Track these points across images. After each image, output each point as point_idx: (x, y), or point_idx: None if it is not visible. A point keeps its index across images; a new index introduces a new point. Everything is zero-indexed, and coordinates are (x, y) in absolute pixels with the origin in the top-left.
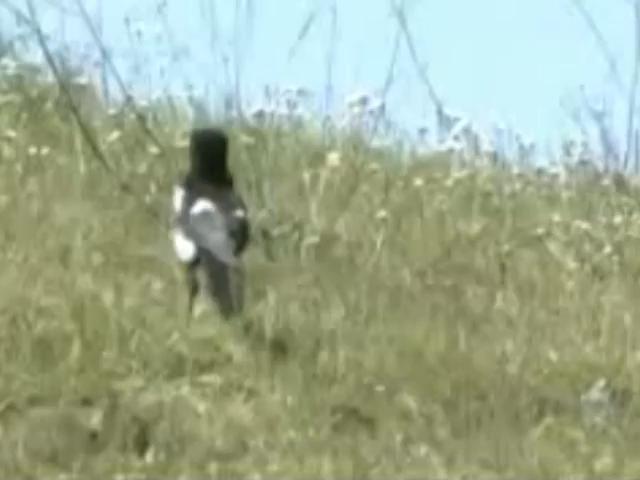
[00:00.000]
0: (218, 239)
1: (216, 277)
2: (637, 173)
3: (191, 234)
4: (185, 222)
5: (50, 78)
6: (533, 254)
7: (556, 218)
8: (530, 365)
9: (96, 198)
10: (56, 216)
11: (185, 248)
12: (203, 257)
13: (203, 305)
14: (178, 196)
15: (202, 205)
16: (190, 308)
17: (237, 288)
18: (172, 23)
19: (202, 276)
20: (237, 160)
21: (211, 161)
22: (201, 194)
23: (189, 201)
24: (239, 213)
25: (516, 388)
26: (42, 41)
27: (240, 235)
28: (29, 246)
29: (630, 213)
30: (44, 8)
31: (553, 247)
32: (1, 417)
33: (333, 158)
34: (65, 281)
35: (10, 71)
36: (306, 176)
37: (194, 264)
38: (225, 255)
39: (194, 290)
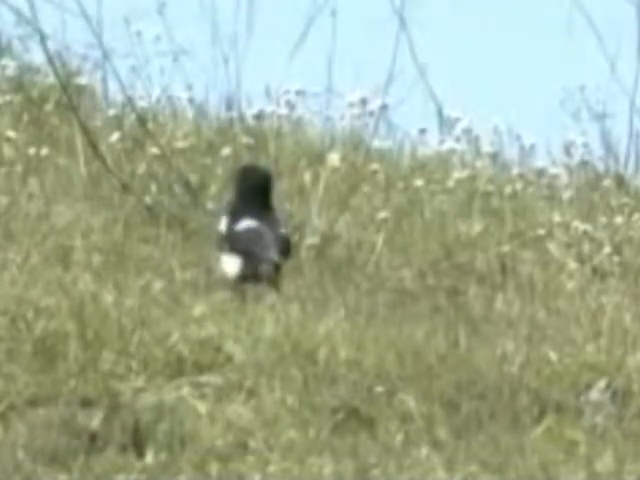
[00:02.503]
0: (265, 244)
1: (251, 269)
2: (637, 174)
3: (237, 247)
4: (230, 238)
5: (50, 78)
6: (533, 254)
7: (556, 219)
8: (530, 365)
9: (96, 198)
10: (56, 216)
11: (232, 263)
12: (248, 260)
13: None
14: (223, 221)
15: (246, 222)
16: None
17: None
18: (172, 24)
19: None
20: (237, 161)
21: (255, 196)
22: (244, 214)
23: (233, 221)
24: (282, 230)
25: (516, 388)
26: (42, 41)
27: (284, 247)
28: (29, 246)
29: (630, 214)
30: (44, 8)
31: (553, 247)
32: (1, 417)
33: (333, 158)
34: (65, 281)
35: (10, 71)
36: (306, 176)
37: (242, 279)
38: (269, 252)
39: (244, 301)
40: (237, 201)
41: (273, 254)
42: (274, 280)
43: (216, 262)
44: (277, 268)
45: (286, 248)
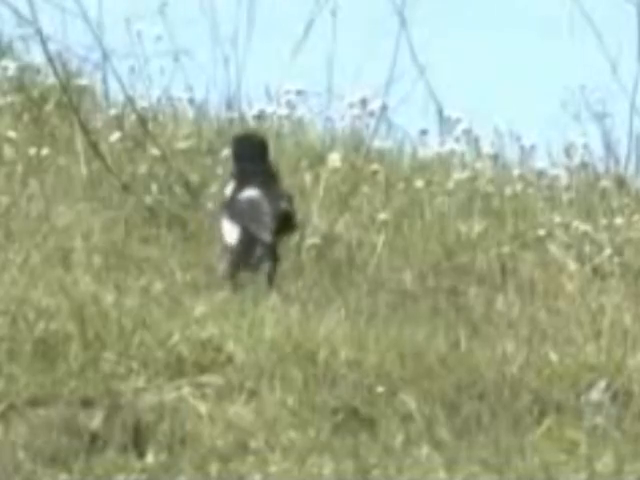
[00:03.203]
0: (261, 221)
1: (245, 249)
2: (638, 174)
3: (236, 217)
4: (232, 206)
5: (51, 79)
6: (534, 255)
7: (557, 219)
8: (531, 366)
9: (97, 199)
10: (57, 217)
11: (231, 231)
12: (244, 236)
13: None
14: (229, 187)
15: (249, 192)
16: (234, 289)
17: (269, 267)
18: (173, 24)
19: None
20: None
21: (255, 162)
22: (250, 183)
23: (238, 189)
24: (284, 204)
25: (517, 389)
26: (43, 42)
27: (282, 222)
28: (30, 247)
29: (631, 214)
30: (45, 9)
31: (554, 248)
32: (1, 418)
33: (334, 159)
34: (66, 282)
35: (11, 72)
36: (307, 177)
37: (238, 252)
38: (263, 233)
39: (235, 273)
40: (241, 168)
41: (267, 235)
42: (268, 266)
43: (218, 225)
44: (272, 248)
45: (287, 223)
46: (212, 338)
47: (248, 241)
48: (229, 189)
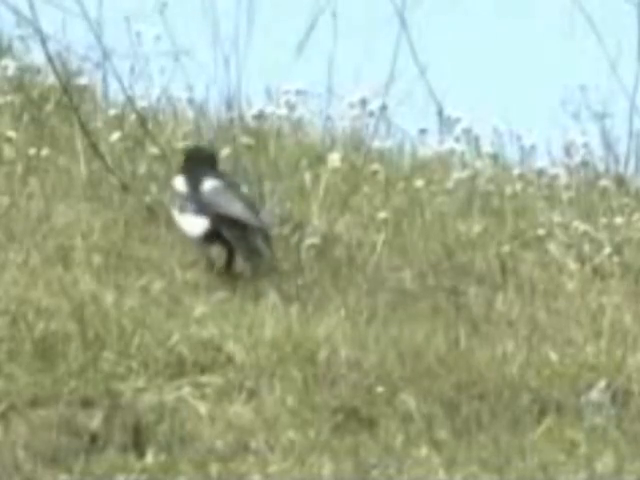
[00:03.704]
0: (238, 206)
1: (243, 236)
2: (638, 174)
3: (205, 209)
4: (196, 199)
5: (51, 79)
6: (534, 255)
7: (557, 219)
8: (531, 366)
9: (96, 199)
10: (57, 217)
11: (195, 224)
12: (224, 225)
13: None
14: (180, 181)
15: (211, 183)
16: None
17: (264, 242)
18: (172, 24)
19: (228, 240)
20: (237, 161)
21: (205, 167)
22: (204, 175)
23: (195, 181)
24: (244, 189)
25: (517, 389)
26: (43, 42)
27: (254, 205)
28: (30, 247)
29: (630, 214)
30: (45, 9)
31: (554, 248)
32: (2, 418)
33: (334, 159)
34: (66, 282)
35: (11, 72)
36: (307, 177)
37: (208, 238)
38: (251, 218)
39: (210, 264)
40: (189, 167)
41: (257, 221)
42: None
43: (177, 222)
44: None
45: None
46: (212, 338)
47: (241, 229)
48: (180, 184)
